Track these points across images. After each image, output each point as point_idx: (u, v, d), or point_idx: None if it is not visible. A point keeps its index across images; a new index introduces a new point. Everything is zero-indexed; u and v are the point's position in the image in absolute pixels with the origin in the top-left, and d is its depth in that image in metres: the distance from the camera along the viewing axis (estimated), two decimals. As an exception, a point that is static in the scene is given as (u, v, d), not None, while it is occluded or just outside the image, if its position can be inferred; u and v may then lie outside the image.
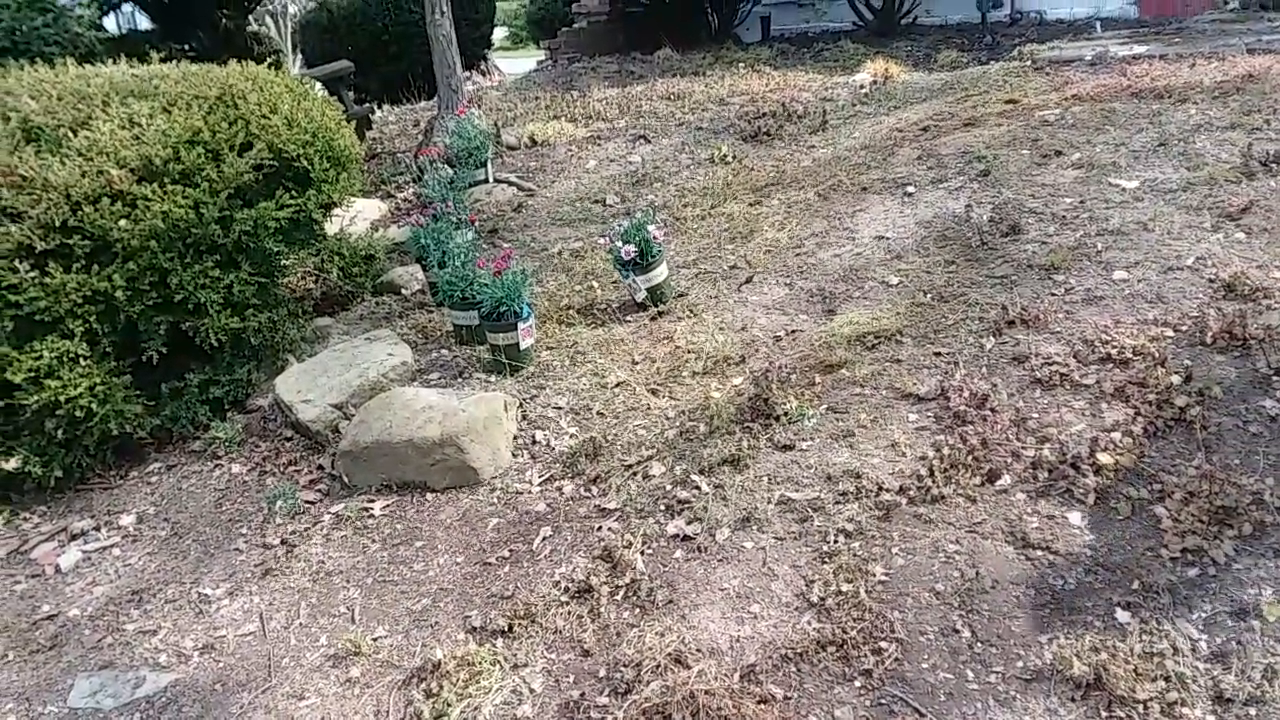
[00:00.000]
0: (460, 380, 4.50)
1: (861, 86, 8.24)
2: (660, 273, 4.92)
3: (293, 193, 4.70)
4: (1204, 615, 2.60)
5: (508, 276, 4.53)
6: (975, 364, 3.88)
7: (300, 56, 14.15)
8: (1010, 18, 12.88)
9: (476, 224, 6.24)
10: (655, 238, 4.86)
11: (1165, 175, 4.98)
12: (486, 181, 6.88)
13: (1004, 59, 8.59)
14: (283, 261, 4.89)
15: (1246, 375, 3.48)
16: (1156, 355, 3.61)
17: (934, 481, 3.30)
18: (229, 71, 5.02)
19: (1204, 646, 2.51)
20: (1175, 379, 3.47)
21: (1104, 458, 3.22)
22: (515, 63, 18.50)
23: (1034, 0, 12.95)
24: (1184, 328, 3.77)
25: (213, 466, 4.23)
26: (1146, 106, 5.88)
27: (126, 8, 12.25)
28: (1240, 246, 4.22)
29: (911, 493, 3.29)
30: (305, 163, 4.76)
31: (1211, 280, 4.01)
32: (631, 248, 4.78)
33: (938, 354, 4.01)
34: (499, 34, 22.85)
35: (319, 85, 8.62)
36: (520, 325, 4.51)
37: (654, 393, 4.24)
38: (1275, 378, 3.41)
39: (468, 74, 17.22)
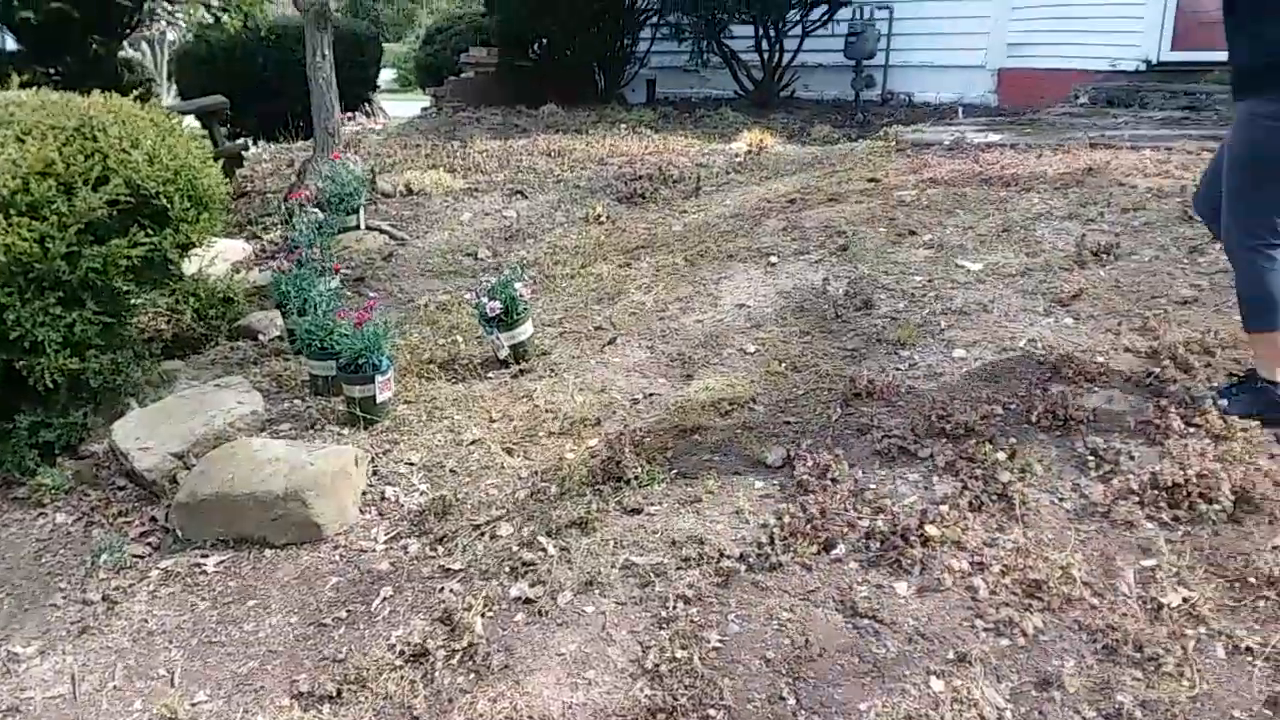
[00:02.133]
0: (312, 432, 4.40)
1: (737, 155, 8.51)
2: (524, 330, 4.95)
3: (148, 230, 4.56)
4: (1011, 685, 2.73)
5: (369, 328, 4.48)
6: (822, 434, 4.01)
7: (175, 87, 13.79)
8: (882, 97, 13.48)
9: (343, 272, 6.16)
10: (521, 295, 4.89)
11: (1007, 259, 5.29)
12: (358, 228, 6.81)
13: (871, 137, 9.00)
14: (132, 301, 4.72)
15: (1065, 454, 3.70)
16: (985, 432, 3.80)
17: (773, 549, 3.38)
18: (91, 102, 4.88)
19: (1009, 715, 2.63)
20: (1001, 455, 3.66)
21: (931, 530, 3.36)
22: (402, 105, 18.41)
23: (904, 82, 13.59)
24: (1013, 406, 3.99)
25: (36, 515, 4.01)
26: (995, 193, 6.24)
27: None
28: (1069, 331, 4.50)
29: (751, 560, 3.36)
30: (164, 200, 4.63)
31: (1041, 362, 4.26)
32: (497, 304, 4.80)
33: (787, 423, 4.14)
34: (388, 75, 22.75)
35: (191, 119, 8.41)
36: (379, 378, 4.46)
37: (509, 452, 4.23)
38: (1090, 458, 3.64)
39: (351, 115, 17.07)
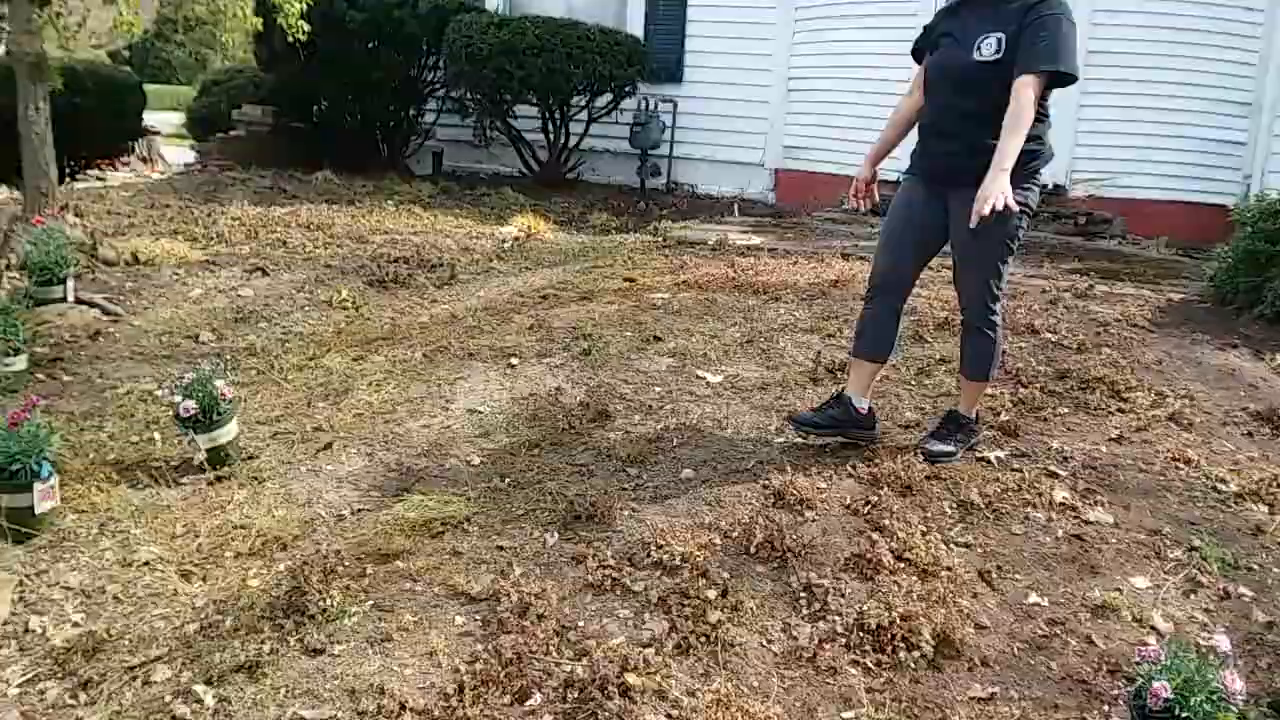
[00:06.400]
0: (-54, 549, 3.76)
1: (505, 240, 8.31)
2: (226, 432, 4.46)
3: None
4: None
5: (28, 427, 3.90)
6: (534, 561, 3.75)
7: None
8: (667, 186, 13.72)
9: (36, 350, 5.47)
10: (224, 395, 4.41)
11: (747, 372, 5.27)
12: (64, 300, 6.10)
13: (644, 230, 9.03)
14: None
15: (780, 589, 3.59)
16: (701, 564, 3.65)
17: (462, 701, 3.07)
18: None
19: None
20: (712, 593, 3.51)
21: (632, 678, 3.14)
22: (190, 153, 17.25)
23: (689, 174, 13.91)
24: (734, 534, 3.86)
25: None
26: (744, 301, 6.29)
27: None
28: (796, 452, 4.46)
29: (436, 713, 3.03)
30: None
31: (766, 486, 4.17)
32: (192, 404, 4.30)
33: (500, 548, 3.85)
34: (175, 119, 21.20)
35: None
36: (38, 486, 3.88)
37: (186, 575, 3.74)
38: (803, 594, 3.54)
39: (127, 159, 15.89)
